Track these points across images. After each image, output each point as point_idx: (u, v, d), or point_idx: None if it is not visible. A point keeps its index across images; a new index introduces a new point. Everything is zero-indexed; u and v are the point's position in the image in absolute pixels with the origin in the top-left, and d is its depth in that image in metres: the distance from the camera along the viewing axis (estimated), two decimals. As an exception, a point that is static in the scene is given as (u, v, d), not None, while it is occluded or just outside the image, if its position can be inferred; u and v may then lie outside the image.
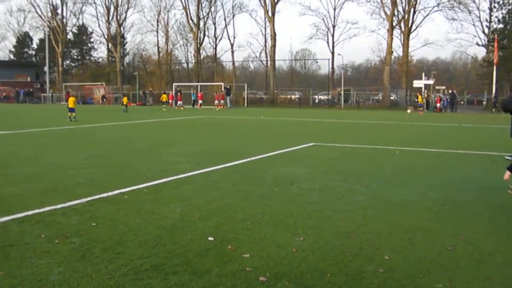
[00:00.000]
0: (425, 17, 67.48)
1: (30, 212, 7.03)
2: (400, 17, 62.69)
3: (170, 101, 51.49)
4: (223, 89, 56.05)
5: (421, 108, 47.43)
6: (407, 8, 62.32)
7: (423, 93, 50.65)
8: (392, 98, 59.61)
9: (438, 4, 63.12)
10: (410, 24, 61.98)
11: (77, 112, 29.02)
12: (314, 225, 6.49)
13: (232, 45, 78.06)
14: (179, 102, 51.12)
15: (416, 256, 5.37)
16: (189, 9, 76.13)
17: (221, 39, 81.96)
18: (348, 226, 6.46)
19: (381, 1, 62.59)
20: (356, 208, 7.52)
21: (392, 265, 5.08)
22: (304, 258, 5.24)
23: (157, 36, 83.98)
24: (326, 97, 63.72)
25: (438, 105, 48.33)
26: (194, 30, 76.12)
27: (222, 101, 53.53)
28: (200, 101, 52.40)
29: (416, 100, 50.32)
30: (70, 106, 28.88)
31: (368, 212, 7.26)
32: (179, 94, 53.57)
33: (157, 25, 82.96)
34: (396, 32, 63.30)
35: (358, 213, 7.16)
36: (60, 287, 4.46)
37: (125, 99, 45.75)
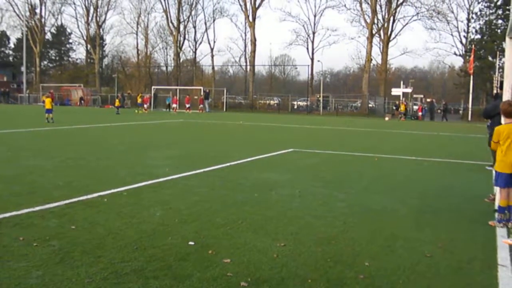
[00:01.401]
0: (404, 26, 68.27)
1: (7, 215, 6.93)
2: (379, 25, 63.37)
3: (145, 105, 50.92)
4: (202, 93, 55.96)
5: (401, 116, 47.83)
6: (387, 16, 63.05)
7: (401, 100, 51.15)
8: (370, 105, 60.08)
9: (418, 13, 64.02)
10: (389, 33, 62.73)
11: (54, 114, 28.74)
12: (295, 231, 6.50)
13: (212, 49, 78.05)
14: (145, 105, 50.76)
15: (396, 263, 5.41)
16: (169, 12, 76.07)
17: (201, 43, 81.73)
18: (329, 233, 6.49)
19: (361, 9, 63.22)
20: (336, 214, 7.55)
21: (372, 271, 5.11)
22: (285, 264, 5.24)
23: (137, 39, 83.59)
24: (305, 103, 63.96)
25: (420, 113, 48.83)
26: (174, 33, 75.94)
27: (201, 105, 53.48)
28: (187, 105, 52.09)
29: (394, 108, 50.75)
30: (47, 107, 28.61)
31: (348, 218, 7.30)
32: (145, 96, 53.33)
33: (137, 28, 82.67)
34: (376, 40, 64.05)
35: (339, 220, 7.19)
36: (39, 291, 4.41)
37: (117, 102, 45.75)
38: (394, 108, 51.42)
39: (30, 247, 5.56)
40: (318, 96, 63.67)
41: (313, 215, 7.48)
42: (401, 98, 52.13)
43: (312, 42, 77.96)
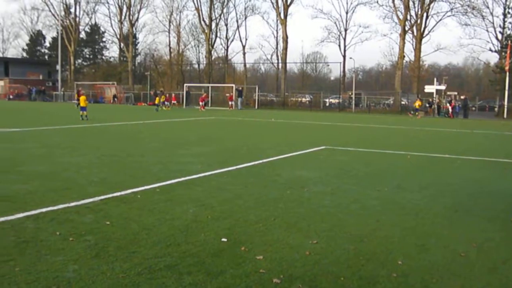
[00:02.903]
0: (437, 22, 67.09)
1: (44, 210, 7.09)
2: (412, 22, 62.52)
3: (166, 103, 51.21)
4: (234, 90, 56.13)
5: (416, 113, 46.54)
6: (420, 12, 62.16)
7: (434, 98, 50.41)
8: (403, 102, 59.43)
9: (452, 9, 62.87)
10: (422, 29, 61.81)
11: (89, 111, 29.13)
12: (327, 229, 6.50)
13: (243, 46, 78.05)
14: (166, 103, 51.15)
15: (429, 261, 5.37)
16: (201, 10, 76.25)
17: (232, 40, 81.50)
18: (361, 230, 6.47)
19: (394, 5, 62.50)
20: (369, 212, 7.53)
21: (405, 270, 5.08)
22: (318, 261, 5.25)
23: (169, 37, 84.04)
24: (336, 100, 63.61)
25: (450, 110, 47.90)
26: (206, 31, 76.18)
27: (230, 102, 53.65)
28: (201, 103, 52.55)
29: (428, 105, 49.96)
30: (81, 105, 29.03)
31: (381, 216, 7.26)
32: (167, 95, 53.58)
33: (169, 26, 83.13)
34: (408, 36, 63.16)
35: (371, 217, 7.16)
36: (76, 285, 4.49)
37: (157, 99, 46.39)
38: (427, 105, 50.61)
39: (66, 241, 5.68)
40: (350, 94, 63.27)
41: (345, 212, 7.47)
42: (434, 95, 51.44)
43: (344, 39, 77.56)
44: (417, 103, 47.75)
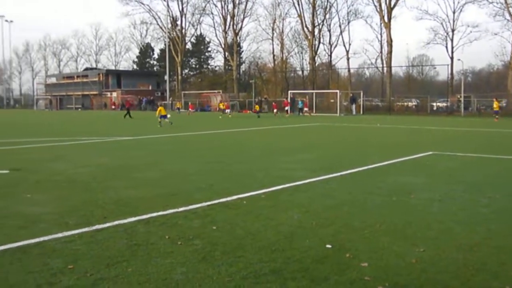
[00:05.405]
0: (555, 17, 63.07)
1: (154, 214, 7.38)
2: (526, 18, 59.29)
3: (227, 110, 51.05)
4: (338, 96, 55.82)
5: (497, 116, 42.41)
6: (534, 8, 58.85)
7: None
8: (516, 105, 56.49)
9: None
10: (537, 26, 58.41)
11: (196, 119, 29.96)
12: (434, 237, 6.31)
13: (347, 52, 77.35)
14: (227, 110, 50.85)
15: (546, 272, 5.07)
16: (304, 16, 76.33)
17: (336, 46, 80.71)
18: (471, 239, 6.22)
19: (505, 2, 59.52)
20: (479, 220, 7.22)
21: (519, 281, 4.83)
22: (424, 270, 5.10)
23: (272, 44, 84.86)
24: (444, 104, 61.57)
25: None
26: (309, 37, 76.23)
27: (286, 107, 53.68)
28: (275, 110, 52.84)
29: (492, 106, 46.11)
30: (162, 113, 32.78)
31: (492, 225, 6.94)
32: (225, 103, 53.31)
33: (272, 33, 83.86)
34: (522, 33, 59.88)
35: (481, 226, 6.87)
36: (184, 287, 4.64)
37: (257, 107, 49.29)
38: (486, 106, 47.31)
39: (175, 245, 5.88)
40: (458, 97, 61.02)
41: (453, 220, 7.21)
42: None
43: (451, 40, 74.68)
44: (495, 105, 43.56)
